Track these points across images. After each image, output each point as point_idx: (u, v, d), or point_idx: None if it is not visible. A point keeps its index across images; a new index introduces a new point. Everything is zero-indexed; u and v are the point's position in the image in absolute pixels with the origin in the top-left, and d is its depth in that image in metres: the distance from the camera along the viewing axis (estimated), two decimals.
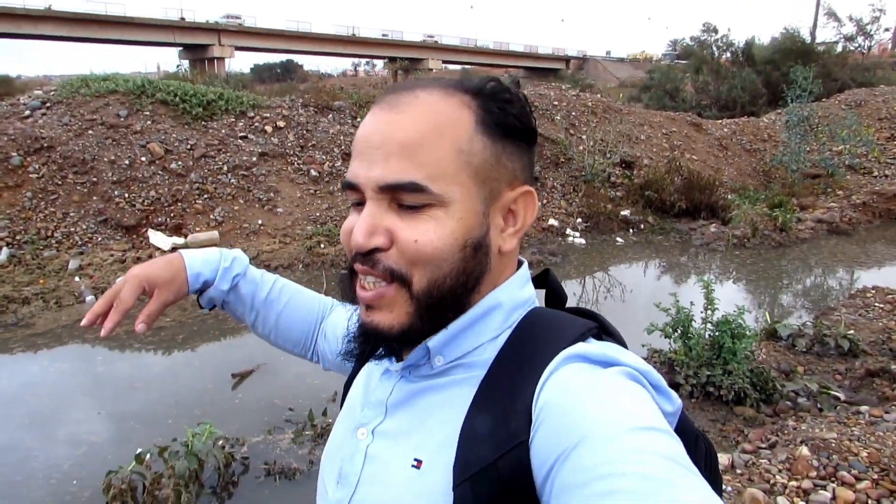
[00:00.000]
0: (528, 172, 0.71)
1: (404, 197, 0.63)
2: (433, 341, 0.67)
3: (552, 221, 11.03)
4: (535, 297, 0.74)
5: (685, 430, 0.67)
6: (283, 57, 68.59)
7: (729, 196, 12.61)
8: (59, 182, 8.78)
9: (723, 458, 3.86)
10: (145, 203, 8.88)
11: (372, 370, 0.78)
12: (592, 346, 0.63)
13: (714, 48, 26.30)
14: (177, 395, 5.07)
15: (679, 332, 5.36)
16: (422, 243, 0.63)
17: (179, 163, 9.56)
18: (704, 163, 14.10)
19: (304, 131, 10.87)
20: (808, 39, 24.49)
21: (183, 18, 55.65)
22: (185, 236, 8.60)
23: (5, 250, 7.76)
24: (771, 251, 10.18)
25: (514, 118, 0.67)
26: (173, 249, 8.35)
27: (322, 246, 8.80)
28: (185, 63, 59.09)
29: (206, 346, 6.25)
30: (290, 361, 4.72)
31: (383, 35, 62.97)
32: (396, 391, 0.71)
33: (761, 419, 4.77)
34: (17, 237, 8.02)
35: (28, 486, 3.83)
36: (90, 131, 9.55)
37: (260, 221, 9.14)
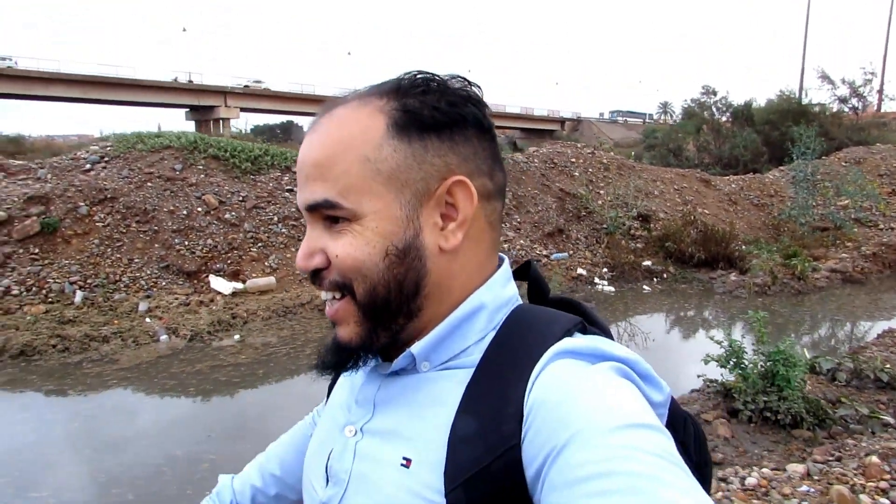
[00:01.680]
0: (472, 163, 0.68)
1: (327, 214, 0.65)
2: (417, 347, 0.67)
3: (580, 271, 11.57)
4: (517, 295, 0.73)
5: (673, 414, 0.68)
6: (284, 118, 70.32)
7: (742, 247, 13.24)
8: (124, 230, 9.29)
9: (798, 467, 4.27)
10: (204, 250, 9.38)
11: (358, 374, 0.76)
12: (580, 341, 0.63)
13: (714, 109, 27.60)
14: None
15: (732, 362, 5.82)
16: (341, 257, 0.64)
17: (233, 213, 10.12)
18: (716, 217, 14.79)
19: None
20: (801, 101, 25.78)
21: (191, 81, 57.32)
22: (244, 282, 9.06)
23: (79, 293, 8.20)
24: (791, 298, 10.72)
25: (433, 110, 0.65)
26: (234, 294, 8.82)
27: None
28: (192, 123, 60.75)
29: (295, 380, 6.65)
30: None
31: None
32: (384, 388, 0.71)
33: (819, 440, 5.18)
34: (88, 281, 8.47)
35: (163, 481, 4.20)
36: (149, 183, 10.13)
37: None
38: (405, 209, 0.65)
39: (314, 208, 0.65)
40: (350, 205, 0.63)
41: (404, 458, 0.63)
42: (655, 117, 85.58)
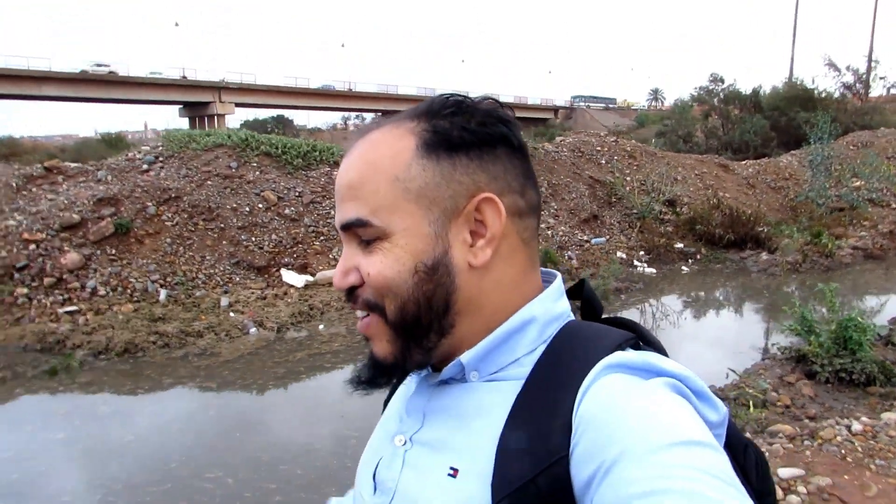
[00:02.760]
0: (502, 181, 0.69)
1: (360, 233, 0.67)
2: (466, 357, 0.68)
3: (620, 254, 12.06)
4: (570, 311, 0.73)
5: (734, 440, 0.67)
6: (273, 112, 70.10)
7: (766, 229, 13.78)
8: (192, 229, 9.64)
9: (892, 416, 4.77)
10: (270, 246, 9.76)
11: (411, 382, 0.78)
12: (631, 355, 0.62)
13: (722, 95, 28.26)
14: None
15: (807, 329, 6.34)
16: (373, 275, 0.66)
17: (292, 209, 10.49)
18: (736, 200, 15.33)
19: None
20: (807, 88, 26.54)
21: (185, 77, 57.08)
22: (313, 274, 9.46)
23: (163, 291, 8.56)
24: (822, 274, 11.27)
25: (462, 130, 0.67)
26: (306, 286, 9.22)
27: None
28: (185, 120, 60.47)
29: None
30: None
31: (378, 89, 64.99)
32: (434, 399, 0.72)
33: (894, 395, 5.71)
34: (168, 279, 8.83)
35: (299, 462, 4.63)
36: (209, 182, 10.47)
37: None
38: (434, 226, 0.66)
39: (348, 227, 0.67)
40: (380, 223, 0.65)
41: (451, 468, 0.64)
42: (627, 102, 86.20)
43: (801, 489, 3.55)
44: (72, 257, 8.56)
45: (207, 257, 9.35)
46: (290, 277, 9.25)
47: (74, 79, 50.04)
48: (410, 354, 0.68)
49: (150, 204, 9.66)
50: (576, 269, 10.69)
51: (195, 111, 58.83)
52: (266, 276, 9.40)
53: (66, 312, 7.93)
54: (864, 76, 29.18)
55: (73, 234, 8.96)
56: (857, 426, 4.55)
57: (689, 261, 12.45)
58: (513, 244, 0.69)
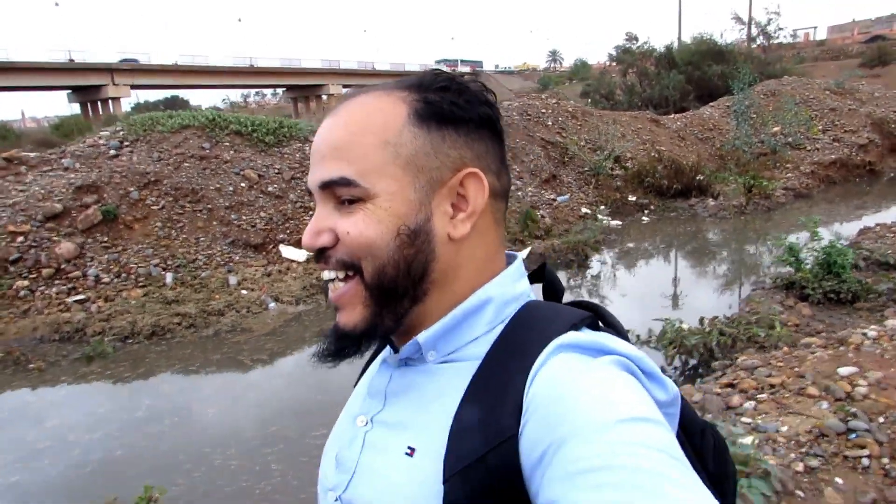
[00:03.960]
0: (484, 160, 0.70)
1: (341, 193, 0.66)
2: (423, 336, 0.69)
3: (584, 210, 12.80)
4: (530, 292, 0.74)
5: (691, 424, 0.68)
6: (167, 93, 66.73)
7: (704, 178, 14.95)
8: (180, 211, 9.48)
9: (893, 322, 5.63)
10: (262, 224, 9.75)
11: (377, 364, 0.79)
12: (583, 335, 0.64)
13: (638, 53, 29.71)
14: None
15: (794, 258, 7.21)
16: (353, 234, 0.66)
17: (275, 186, 10.47)
18: (671, 152, 16.43)
19: None
20: (715, 42, 28.45)
21: (72, 60, 53.23)
22: None
23: (168, 275, 8.45)
24: (764, 214, 12.51)
25: (452, 105, 0.68)
26: (307, 260, 9.33)
27: None
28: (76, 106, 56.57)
29: None
30: None
31: (282, 63, 63.08)
32: (395, 380, 0.72)
33: (879, 307, 6.66)
34: (169, 262, 8.70)
35: None
36: (185, 164, 10.26)
37: None
38: (419, 193, 0.67)
39: (328, 185, 0.67)
40: (366, 184, 0.65)
41: (409, 448, 0.65)
42: (527, 65, 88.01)
43: (862, 382, 4.22)
44: (66, 246, 8.29)
45: (202, 239, 9.25)
46: (290, 253, 9.32)
47: None
48: (382, 320, 0.68)
49: (132, 189, 9.41)
50: (550, 227, 11.29)
51: (86, 96, 55.15)
52: (264, 252, 9.43)
53: (76, 301, 7.73)
54: (766, 27, 31.62)
55: (59, 223, 8.65)
56: (872, 332, 5.35)
57: (645, 211, 13.38)
58: (487, 222, 0.71)
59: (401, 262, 0.66)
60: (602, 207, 13.20)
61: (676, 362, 5.75)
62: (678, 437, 0.58)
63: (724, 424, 3.39)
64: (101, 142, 10.74)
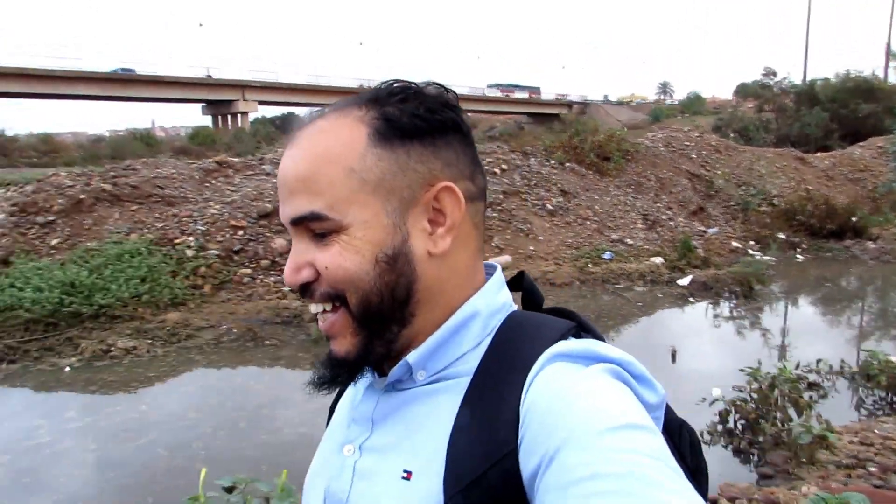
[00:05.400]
0: (455, 167, 0.69)
1: (314, 227, 0.65)
2: (413, 356, 0.68)
3: (734, 244, 12.86)
4: (511, 302, 0.74)
5: (670, 422, 0.68)
6: (284, 110, 70.76)
7: (857, 219, 14.61)
8: None
9: None
10: None
11: (357, 388, 0.76)
12: (573, 344, 0.64)
13: (776, 90, 29.19)
14: None
15: None
16: (332, 268, 0.65)
17: None
18: (818, 191, 16.16)
19: (525, 172, 12.65)
20: (876, 81, 27.44)
21: (210, 76, 57.62)
22: (486, 260, 10.19)
23: None
24: None
25: (413, 118, 0.66)
26: None
27: (590, 266, 10.47)
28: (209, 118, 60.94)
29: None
30: None
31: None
32: (381, 404, 0.71)
33: None
34: None
35: None
36: None
37: (531, 247, 10.81)
38: (392, 216, 0.65)
39: (299, 221, 0.66)
40: (337, 216, 0.64)
41: (405, 471, 0.64)
42: (634, 96, 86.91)
43: None
44: (279, 242, 9.30)
45: None
46: None
47: (105, 78, 50.59)
48: (373, 347, 0.68)
49: None
50: (707, 257, 11.45)
51: (218, 109, 59.45)
52: None
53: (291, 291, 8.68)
54: None
55: (270, 221, 9.69)
56: None
57: (797, 250, 13.26)
58: (467, 230, 0.70)
59: (383, 288, 0.65)
60: (751, 242, 13.20)
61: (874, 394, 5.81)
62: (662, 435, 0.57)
63: None
64: (265, 166, 11.88)
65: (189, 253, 8.82)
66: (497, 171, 12.41)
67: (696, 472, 0.69)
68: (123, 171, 10.58)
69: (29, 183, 10.81)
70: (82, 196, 9.48)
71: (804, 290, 10.72)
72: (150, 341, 7.00)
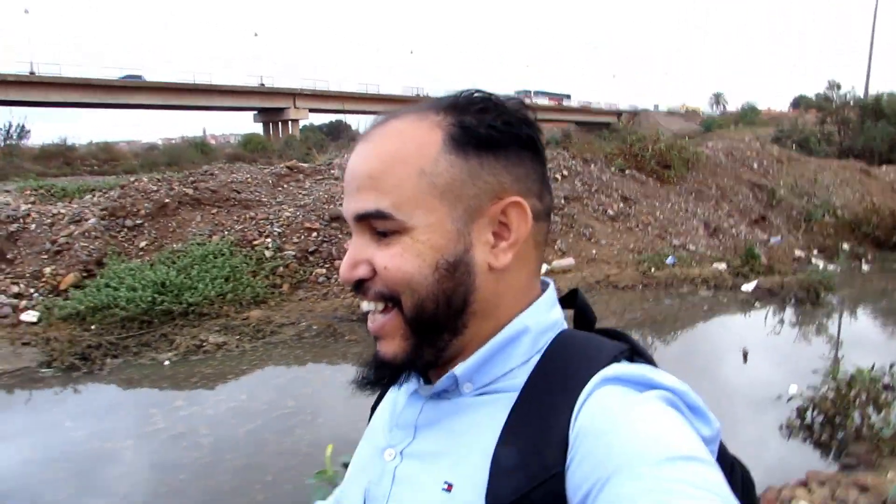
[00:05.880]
0: (524, 183, 0.68)
1: (377, 225, 0.64)
2: (460, 369, 0.67)
3: (798, 252, 12.73)
4: (562, 320, 0.72)
5: (722, 457, 0.66)
6: (333, 118, 72.22)
7: None
8: None
9: None
10: None
11: (399, 392, 0.76)
12: (627, 368, 0.62)
13: (838, 101, 28.68)
14: None
15: None
16: (391, 269, 0.64)
17: None
18: (885, 204, 15.82)
19: (585, 178, 12.79)
20: None
21: (262, 84, 59.20)
22: (549, 263, 10.39)
23: None
24: None
25: (490, 129, 0.65)
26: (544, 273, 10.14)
27: (652, 270, 10.54)
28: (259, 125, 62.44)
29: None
30: None
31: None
32: (426, 412, 0.70)
33: None
34: None
35: None
36: None
37: (594, 251, 10.94)
38: (457, 224, 0.64)
39: (363, 218, 0.65)
40: (402, 217, 0.63)
41: (446, 483, 0.63)
42: (686, 107, 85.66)
43: None
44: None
45: None
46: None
47: (164, 88, 52.47)
48: (423, 352, 0.67)
49: None
50: (772, 265, 11.38)
51: (270, 116, 60.97)
52: None
53: None
54: None
55: (341, 223, 10.06)
56: None
57: (863, 261, 13.05)
58: (528, 248, 0.69)
59: (440, 295, 0.64)
60: (815, 251, 13.04)
61: None
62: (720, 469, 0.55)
63: None
64: (334, 172, 12.29)
65: (267, 254, 9.25)
66: (558, 176, 12.58)
67: None
68: (202, 176, 11.13)
69: (112, 189, 11.42)
70: (167, 200, 10.02)
71: (870, 299, 10.57)
72: (237, 337, 7.39)
